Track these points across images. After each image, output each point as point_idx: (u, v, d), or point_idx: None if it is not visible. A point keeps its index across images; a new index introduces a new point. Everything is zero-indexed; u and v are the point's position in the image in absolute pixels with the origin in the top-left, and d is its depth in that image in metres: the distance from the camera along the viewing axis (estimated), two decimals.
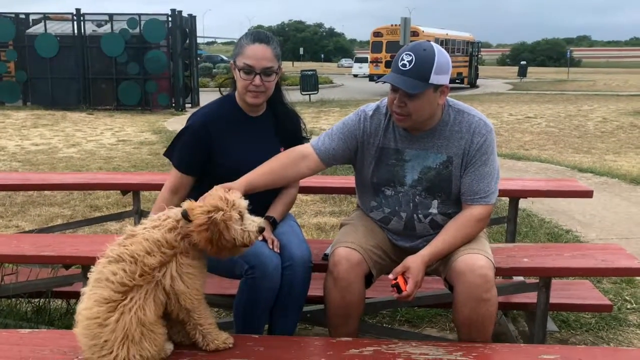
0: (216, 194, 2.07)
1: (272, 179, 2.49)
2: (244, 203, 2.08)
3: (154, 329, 1.93)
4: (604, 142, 11.85)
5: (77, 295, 2.09)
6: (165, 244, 1.98)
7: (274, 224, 2.58)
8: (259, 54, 2.50)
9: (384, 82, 2.32)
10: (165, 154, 2.73)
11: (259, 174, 2.45)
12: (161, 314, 2.00)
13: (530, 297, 2.85)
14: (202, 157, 2.59)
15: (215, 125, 2.60)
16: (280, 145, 2.68)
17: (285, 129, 2.71)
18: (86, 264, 2.59)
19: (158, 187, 4.22)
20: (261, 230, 2.11)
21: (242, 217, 2.06)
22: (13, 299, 3.23)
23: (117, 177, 4.18)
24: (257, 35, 2.55)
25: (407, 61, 2.29)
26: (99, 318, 1.88)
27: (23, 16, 18.83)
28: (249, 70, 2.50)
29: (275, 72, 2.56)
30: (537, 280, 2.69)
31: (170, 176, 2.69)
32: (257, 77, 2.50)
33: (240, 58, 2.53)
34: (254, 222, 2.08)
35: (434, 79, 2.29)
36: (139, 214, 3.84)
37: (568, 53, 60.06)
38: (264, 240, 2.41)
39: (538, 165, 8.79)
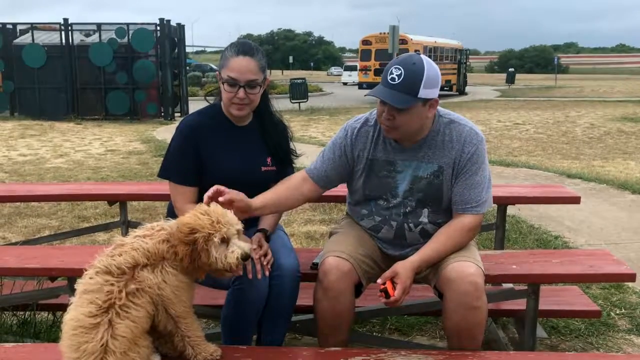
0: (211, 210, 2.03)
1: (279, 202, 2.51)
2: (234, 228, 2.02)
3: (138, 341, 1.90)
4: (591, 147, 11.93)
5: (63, 308, 2.06)
6: (156, 254, 1.96)
7: (267, 236, 2.54)
8: (243, 66, 2.47)
9: (373, 95, 2.33)
10: (161, 175, 2.65)
11: (268, 197, 2.46)
12: (149, 326, 1.97)
13: (520, 304, 2.85)
14: (195, 161, 2.55)
15: (202, 132, 2.58)
16: (266, 155, 2.67)
17: (272, 138, 2.69)
18: (72, 275, 2.55)
19: (145, 197, 4.21)
20: (245, 258, 2.02)
21: (227, 242, 2.00)
22: None
23: (103, 188, 4.14)
24: (242, 47, 2.51)
25: (396, 75, 2.27)
26: (84, 329, 1.85)
27: (10, 26, 18.70)
28: (232, 82, 2.48)
29: (260, 84, 2.53)
30: (526, 287, 2.69)
31: (175, 195, 2.60)
32: (241, 90, 2.48)
33: (224, 70, 2.51)
34: (238, 249, 2.00)
35: (423, 93, 2.28)
36: (126, 225, 3.81)
37: (555, 60, 60.62)
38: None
39: (527, 171, 8.82)
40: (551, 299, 3.23)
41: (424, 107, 2.34)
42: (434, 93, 2.33)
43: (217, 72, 2.63)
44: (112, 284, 1.89)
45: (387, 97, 2.28)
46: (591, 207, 6.45)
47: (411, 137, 2.44)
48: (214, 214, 2.01)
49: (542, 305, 2.76)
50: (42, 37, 18.34)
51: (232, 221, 2.03)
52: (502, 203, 3.59)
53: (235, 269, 2.03)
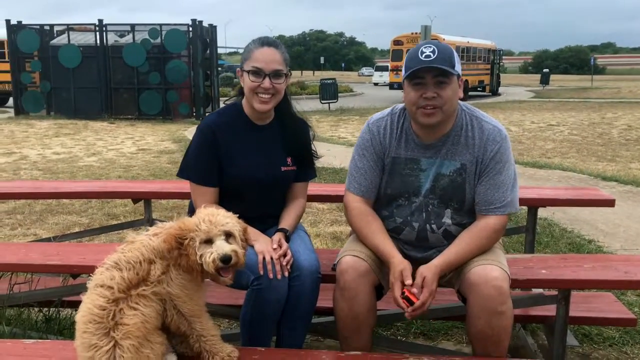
0: (203, 210, 1.99)
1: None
2: (217, 229, 1.94)
3: (151, 338, 1.88)
4: (628, 150, 11.59)
5: None
6: (160, 252, 1.95)
7: (287, 236, 2.50)
8: (268, 56, 2.47)
9: (416, 72, 2.26)
10: (180, 175, 2.63)
11: (386, 239, 2.39)
12: (159, 324, 1.94)
13: (550, 310, 2.75)
14: (215, 161, 2.53)
15: (222, 131, 2.55)
16: (286, 154, 2.63)
17: (292, 138, 2.65)
18: (93, 273, 2.55)
19: (169, 195, 4.22)
20: (224, 260, 1.92)
21: (211, 242, 1.94)
22: (24, 308, 3.21)
23: (128, 186, 4.17)
24: (265, 39, 2.53)
25: (430, 52, 2.27)
26: (94, 323, 1.84)
27: (47, 27, 19.15)
28: (257, 71, 2.46)
29: (285, 74, 2.52)
30: (556, 293, 2.59)
31: (195, 196, 2.58)
32: (267, 79, 2.46)
33: (248, 62, 2.49)
34: (217, 251, 1.92)
35: (457, 67, 2.30)
36: (151, 222, 3.81)
37: (592, 60, 59.24)
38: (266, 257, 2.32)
39: (560, 173, 8.61)
40: (583, 305, 3.11)
41: (457, 82, 2.33)
42: (460, 70, 2.34)
43: (237, 70, 2.61)
44: (121, 278, 1.88)
45: (435, 63, 2.24)
46: (627, 211, 6.24)
47: (441, 128, 2.38)
48: (202, 214, 1.98)
49: (573, 312, 2.66)
50: (77, 38, 18.73)
51: (218, 222, 1.96)
52: (533, 205, 3.48)
53: (213, 271, 1.94)
